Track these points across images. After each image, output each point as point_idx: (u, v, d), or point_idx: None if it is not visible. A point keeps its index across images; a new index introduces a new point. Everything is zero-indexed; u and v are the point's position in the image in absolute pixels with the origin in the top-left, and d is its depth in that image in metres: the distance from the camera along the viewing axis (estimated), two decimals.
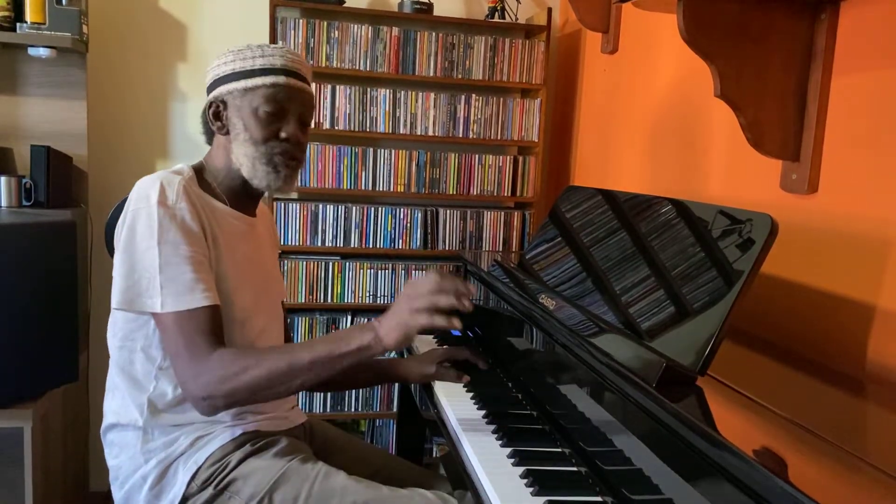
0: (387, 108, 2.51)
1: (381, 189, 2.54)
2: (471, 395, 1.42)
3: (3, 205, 2.13)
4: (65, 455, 2.14)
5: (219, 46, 2.55)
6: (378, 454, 1.54)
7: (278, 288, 1.50)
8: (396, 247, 2.56)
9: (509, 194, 2.64)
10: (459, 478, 1.15)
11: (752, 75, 1.35)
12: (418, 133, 2.54)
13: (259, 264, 1.40)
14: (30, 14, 2.14)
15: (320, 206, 2.48)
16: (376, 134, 2.52)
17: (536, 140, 2.61)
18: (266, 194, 1.40)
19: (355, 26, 2.45)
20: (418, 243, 2.57)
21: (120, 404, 1.27)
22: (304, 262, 2.48)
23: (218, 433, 1.26)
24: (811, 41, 1.37)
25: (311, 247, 2.50)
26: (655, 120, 2.03)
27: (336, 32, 2.44)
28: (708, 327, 0.99)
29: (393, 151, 2.53)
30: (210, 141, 1.38)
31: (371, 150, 2.51)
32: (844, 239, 1.31)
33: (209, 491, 1.22)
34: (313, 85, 1.40)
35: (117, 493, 1.28)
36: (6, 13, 2.14)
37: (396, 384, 2.35)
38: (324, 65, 2.45)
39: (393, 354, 1.55)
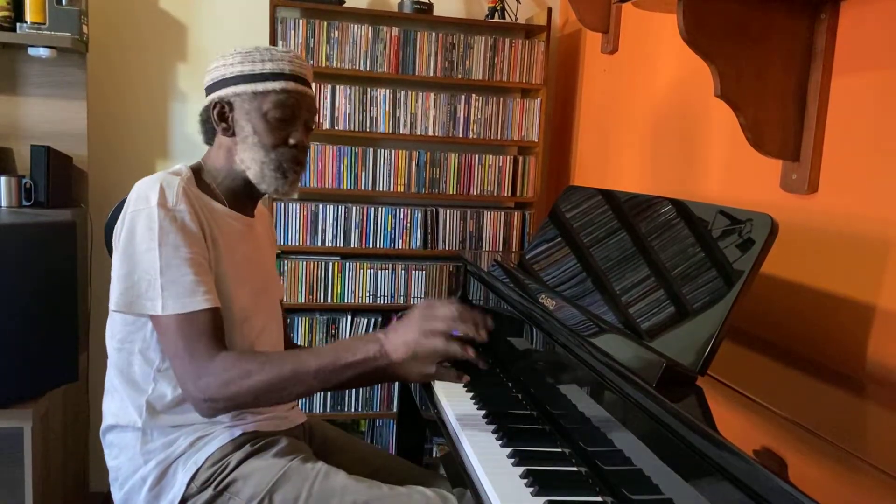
0: (387, 108, 2.51)
1: (381, 189, 2.54)
2: (471, 394, 1.42)
3: (3, 205, 2.13)
4: (65, 455, 2.14)
5: (219, 46, 2.55)
6: (378, 454, 1.54)
7: (277, 287, 1.50)
8: (396, 247, 2.56)
9: (509, 194, 2.64)
10: (459, 478, 1.15)
11: (752, 75, 1.35)
12: (418, 133, 2.54)
13: (258, 264, 1.40)
14: (30, 14, 2.14)
15: (320, 206, 2.48)
16: (376, 134, 2.52)
17: (536, 140, 2.61)
18: (266, 195, 1.40)
19: (355, 26, 2.45)
20: (418, 243, 2.57)
21: (119, 406, 1.27)
22: (304, 262, 2.48)
23: (217, 434, 1.26)
24: (811, 41, 1.37)
25: (311, 247, 2.50)
26: (655, 120, 2.03)
27: (336, 32, 2.44)
28: (708, 327, 0.99)
29: (393, 151, 2.53)
30: (209, 141, 1.38)
31: (371, 150, 2.51)
32: (844, 239, 1.31)
33: (209, 492, 1.22)
34: (313, 85, 1.40)
35: (117, 494, 1.28)
36: (6, 13, 2.14)
37: (396, 384, 2.35)
38: (324, 65, 2.45)
39: None
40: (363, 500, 1.22)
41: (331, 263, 2.50)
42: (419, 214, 2.55)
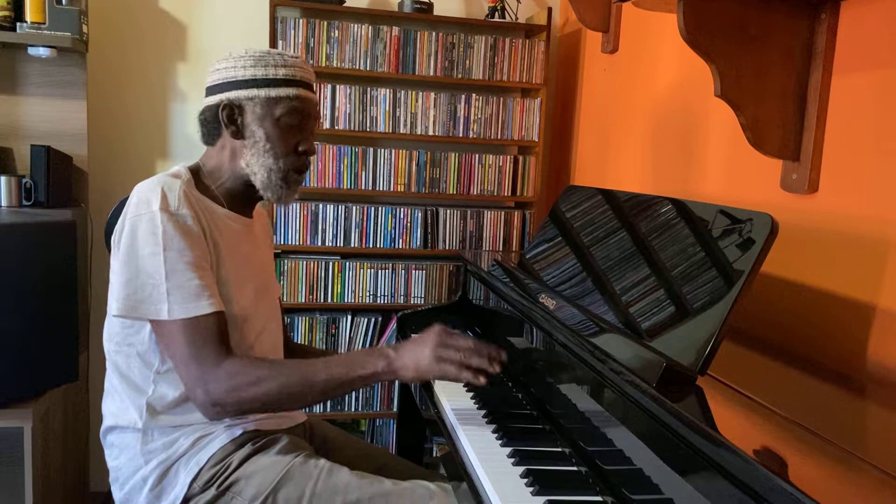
0: (387, 108, 2.51)
1: (381, 189, 2.54)
2: (471, 394, 1.42)
3: (3, 205, 2.13)
4: (65, 455, 2.14)
5: (219, 46, 2.55)
6: (378, 453, 1.54)
7: (275, 287, 1.51)
8: (396, 247, 2.56)
9: (509, 194, 2.64)
10: (459, 477, 1.15)
11: (752, 75, 1.35)
12: (418, 133, 2.54)
13: (258, 265, 1.40)
14: (30, 14, 2.14)
15: (320, 205, 2.48)
16: (376, 134, 2.52)
17: (536, 140, 2.61)
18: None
19: (355, 26, 2.45)
20: (418, 243, 2.57)
21: (118, 407, 1.27)
22: (304, 262, 2.48)
23: (218, 433, 1.26)
24: (811, 41, 1.37)
25: (311, 246, 2.50)
26: (655, 119, 2.03)
27: (336, 32, 2.44)
28: (708, 327, 0.99)
29: (393, 151, 2.53)
30: (209, 141, 1.36)
31: (371, 149, 2.51)
32: (844, 239, 1.31)
33: (211, 491, 1.22)
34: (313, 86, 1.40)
35: (118, 494, 1.28)
36: (6, 13, 2.14)
37: (396, 383, 2.35)
38: (324, 65, 2.45)
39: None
40: (367, 495, 1.22)
41: (331, 263, 2.50)
42: (419, 214, 2.55)
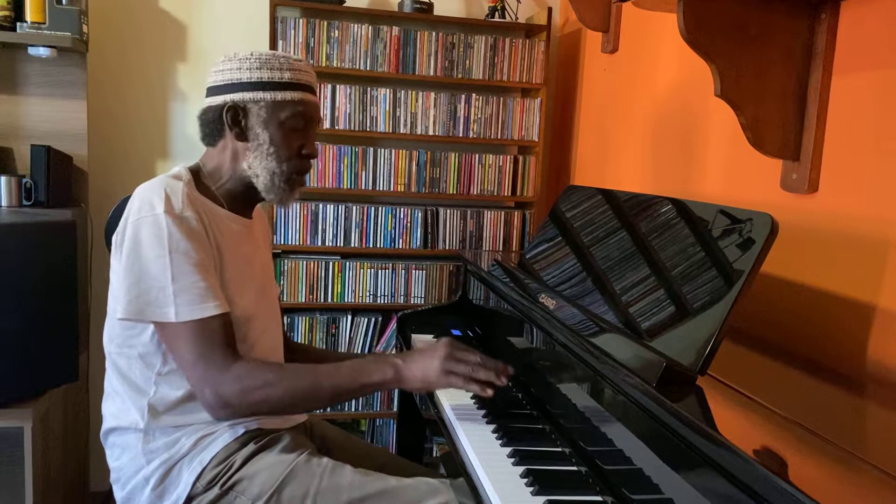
0: (387, 108, 2.51)
1: (381, 189, 2.54)
2: (471, 394, 1.42)
3: (3, 204, 2.13)
4: (65, 455, 2.14)
5: (219, 46, 2.55)
6: (379, 452, 1.54)
7: (275, 287, 1.51)
8: (396, 246, 2.56)
9: (509, 194, 2.64)
10: (459, 477, 1.15)
11: (752, 75, 1.35)
12: (418, 133, 2.54)
13: (258, 266, 1.40)
14: (30, 14, 2.14)
15: (320, 205, 2.48)
16: (376, 133, 2.52)
17: (536, 140, 2.61)
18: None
19: (355, 26, 2.45)
20: (418, 243, 2.57)
21: (119, 408, 1.27)
22: (304, 262, 2.48)
23: (221, 433, 1.26)
24: (811, 41, 1.37)
25: (311, 246, 2.50)
26: (656, 119, 2.03)
27: (336, 32, 2.44)
28: (708, 327, 0.99)
29: (393, 151, 2.53)
30: (212, 142, 1.35)
31: (371, 149, 2.51)
32: (844, 239, 1.31)
33: (215, 490, 1.22)
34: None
35: (119, 494, 1.28)
36: (6, 13, 2.14)
37: None
38: (324, 64, 2.45)
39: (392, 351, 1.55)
40: (370, 492, 1.23)
41: (331, 263, 2.50)
42: (419, 214, 2.55)
